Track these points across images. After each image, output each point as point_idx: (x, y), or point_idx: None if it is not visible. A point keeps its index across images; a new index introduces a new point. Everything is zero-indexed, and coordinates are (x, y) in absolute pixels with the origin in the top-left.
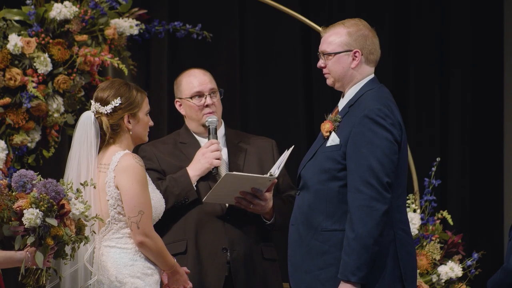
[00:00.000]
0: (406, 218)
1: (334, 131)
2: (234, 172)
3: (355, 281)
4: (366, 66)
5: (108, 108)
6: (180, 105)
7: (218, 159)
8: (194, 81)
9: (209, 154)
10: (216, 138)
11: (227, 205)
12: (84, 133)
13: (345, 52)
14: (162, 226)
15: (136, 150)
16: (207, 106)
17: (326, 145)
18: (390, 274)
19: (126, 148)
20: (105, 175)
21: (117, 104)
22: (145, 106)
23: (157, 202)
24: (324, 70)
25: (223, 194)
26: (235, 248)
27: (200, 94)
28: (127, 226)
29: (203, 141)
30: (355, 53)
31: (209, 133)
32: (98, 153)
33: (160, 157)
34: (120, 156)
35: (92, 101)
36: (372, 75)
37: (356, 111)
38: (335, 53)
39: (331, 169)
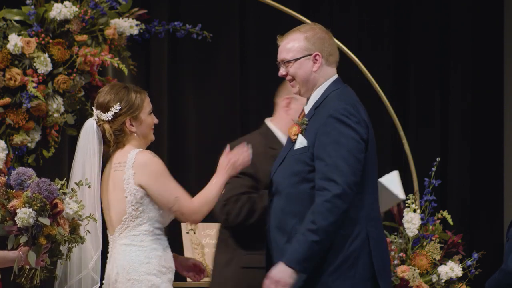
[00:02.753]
0: (378, 214)
1: (301, 134)
2: (384, 183)
3: (299, 271)
4: (327, 67)
5: (109, 115)
6: (289, 103)
7: None
8: None
9: None
10: None
11: None
12: (86, 141)
13: (306, 57)
14: (245, 234)
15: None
16: None
17: (294, 148)
18: (363, 272)
19: (139, 148)
20: (122, 173)
21: (117, 110)
22: (147, 106)
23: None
24: (288, 78)
25: None
26: None
27: None
28: (145, 223)
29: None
30: (315, 56)
31: None
32: (113, 154)
33: (255, 162)
34: (136, 153)
35: (94, 108)
36: (335, 76)
37: (321, 112)
38: (296, 59)
39: (301, 171)
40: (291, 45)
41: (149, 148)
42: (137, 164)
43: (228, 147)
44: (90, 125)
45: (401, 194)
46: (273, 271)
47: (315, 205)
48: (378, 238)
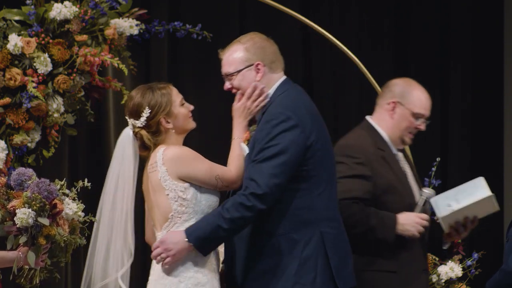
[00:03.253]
0: (336, 214)
1: (247, 142)
2: (493, 198)
3: (194, 246)
4: (272, 75)
5: (142, 121)
6: (395, 107)
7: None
8: (426, 103)
9: (420, 226)
10: (427, 213)
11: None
12: (122, 151)
13: (247, 68)
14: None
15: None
16: (416, 128)
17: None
18: (321, 275)
19: (176, 144)
20: (156, 173)
21: (148, 114)
22: (176, 99)
23: (209, 200)
24: (233, 91)
25: (453, 217)
26: (427, 271)
27: (422, 117)
28: (192, 218)
29: (394, 151)
30: (257, 65)
31: (423, 205)
32: (148, 156)
33: (371, 163)
34: (163, 151)
35: (127, 117)
36: (282, 79)
37: (263, 118)
38: (238, 71)
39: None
40: (232, 57)
41: None
42: (167, 159)
43: (238, 94)
44: (126, 134)
45: (497, 205)
46: (169, 236)
47: (235, 196)
48: (335, 239)
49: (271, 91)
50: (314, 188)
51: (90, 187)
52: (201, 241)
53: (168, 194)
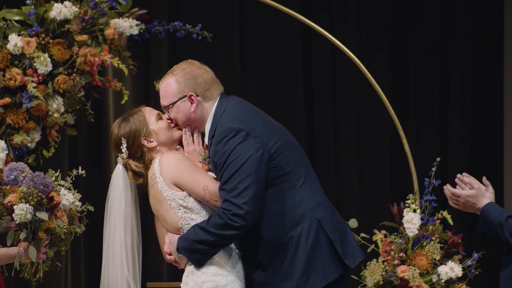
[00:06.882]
0: (323, 197)
1: (211, 171)
2: None
3: (180, 251)
4: (207, 103)
5: (124, 151)
6: None
7: None
8: None
9: None
10: None
11: None
12: (114, 185)
13: (181, 100)
14: None
15: None
16: None
17: None
18: (329, 261)
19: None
20: (157, 185)
21: (126, 144)
22: (150, 118)
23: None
24: (173, 123)
25: None
26: None
27: None
28: (203, 218)
29: None
30: (190, 97)
31: None
32: (147, 174)
33: None
34: (158, 160)
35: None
36: (218, 97)
37: (214, 141)
38: (172, 104)
39: None
40: (165, 90)
41: None
42: (162, 168)
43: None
44: (117, 168)
45: None
46: (173, 237)
47: (220, 215)
48: (331, 219)
49: (211, 113)
50: (295, 182)
51: (84, 175)
52: (192, 257)
53: (170, 204)
